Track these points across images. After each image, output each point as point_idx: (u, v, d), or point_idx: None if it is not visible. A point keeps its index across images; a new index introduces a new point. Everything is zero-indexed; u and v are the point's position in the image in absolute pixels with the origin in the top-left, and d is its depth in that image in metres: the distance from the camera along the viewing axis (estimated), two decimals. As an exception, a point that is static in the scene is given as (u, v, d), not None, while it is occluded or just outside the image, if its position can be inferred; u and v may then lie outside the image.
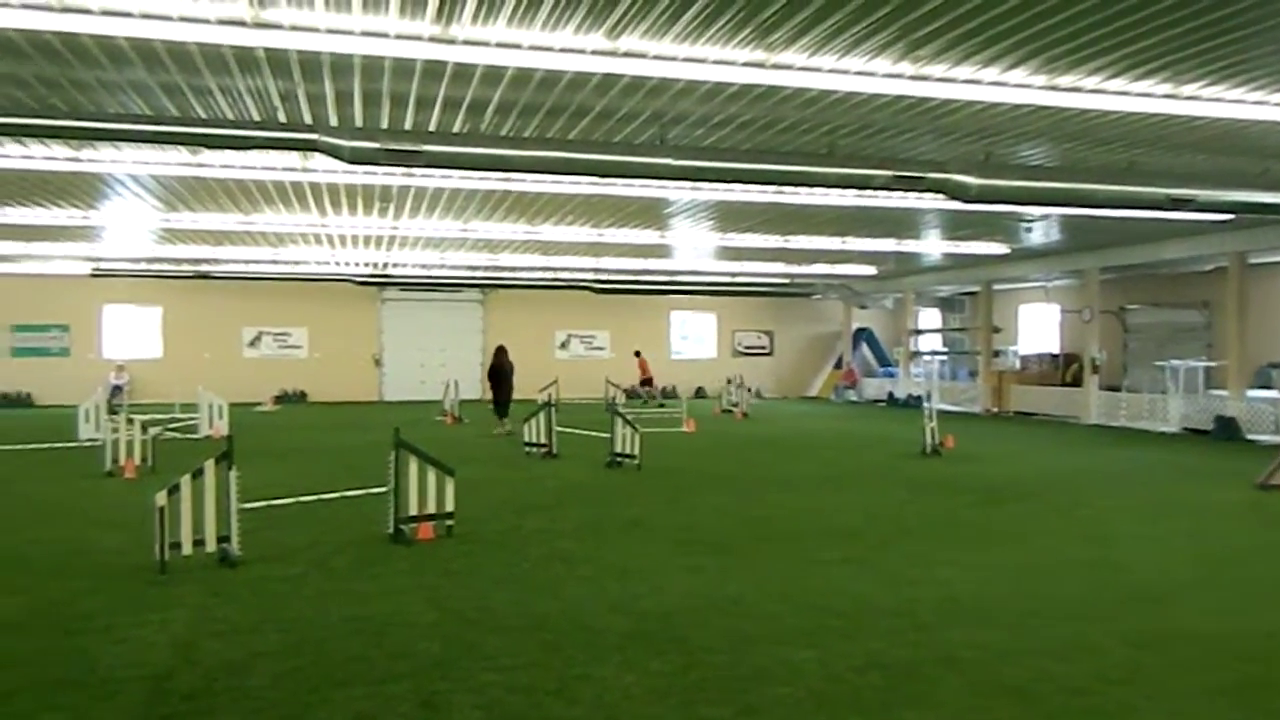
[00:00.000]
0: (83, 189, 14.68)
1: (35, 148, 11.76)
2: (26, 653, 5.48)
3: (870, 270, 27.94)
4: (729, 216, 17.34)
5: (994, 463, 14.90)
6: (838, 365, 34.83)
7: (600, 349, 33.71)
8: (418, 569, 7.55)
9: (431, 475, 8.67)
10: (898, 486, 12.17)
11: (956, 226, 19.01)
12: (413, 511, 8.65)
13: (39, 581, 7.15)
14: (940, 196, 9.86)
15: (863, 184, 9.41)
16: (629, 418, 14.08)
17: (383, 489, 9.60)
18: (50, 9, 6.99)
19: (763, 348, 35.91)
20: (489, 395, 20.64)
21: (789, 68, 8.38)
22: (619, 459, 13.82)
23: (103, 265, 25.83)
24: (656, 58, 8.08)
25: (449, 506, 8.79)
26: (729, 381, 27.22)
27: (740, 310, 34.95)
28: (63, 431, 18.50)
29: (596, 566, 7.67)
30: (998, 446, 17.63)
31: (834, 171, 9.26)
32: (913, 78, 8.65)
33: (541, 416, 15.28)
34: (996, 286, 28.47)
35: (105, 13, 7.06)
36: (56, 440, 17.57)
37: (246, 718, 4.54)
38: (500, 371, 19.80)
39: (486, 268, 26.87)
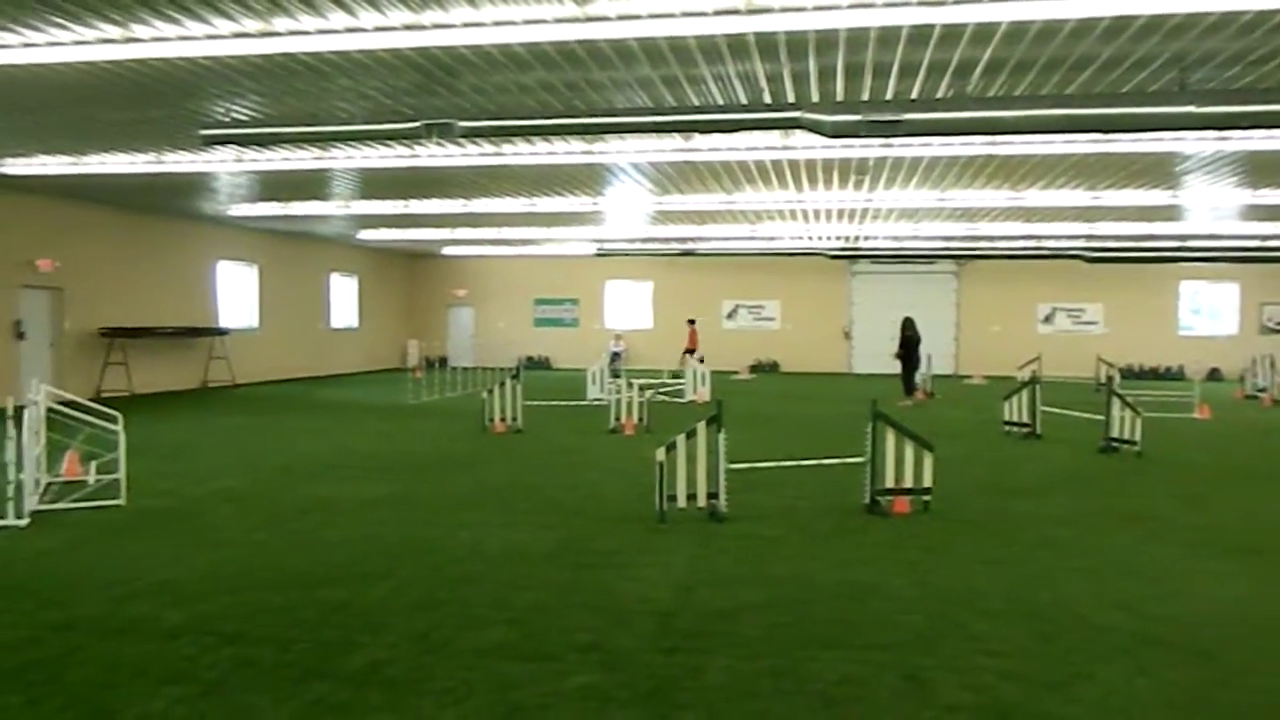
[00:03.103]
0: (592, 178, 16.62)
1: (558, 144, 13.53)
2: (560, 580, 6.38)
3: None
4: (1264, 169, 14.70)
5: None
6: None
7: (1091, 324, 30.73)
8: (896, 542, 7.50)
9: (909, 449, 8.54)
10: None
11: None
12: (889, 484, 8.61)
13: (565, 520, 8.29)
14: None
15: None
16: (1129, 399, 12.66)
17: (856, 459, 9.67)
18: (577, 20, 7.96)
19: (1300, 323, 30.19)
20: (898, 369, 20.79)
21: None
22: (1115, 444, 12.50)
23: (605, 245, 29.11)
24: (1184, -11, 7.06)
25: (926, 482, 8.59)
26: (1255, 362, 23.33)
27: (1271, 279, 29.65)
28: (575, 391, 21.33)
29: (1094, 559, 7.01)
30: None
31: None
32: None
33: (1024, 394, 14.35)
34: None
35: (620, 17, 7.85)
36: (570, 399, 20.29)
37: (740, 662, 4.84)
38: (913, 344, 20.04)
39: (962, 238, 25.76)
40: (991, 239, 25.74)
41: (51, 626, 5.35)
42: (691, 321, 28.41)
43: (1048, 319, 31.06)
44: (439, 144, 13.28)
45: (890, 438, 8.54)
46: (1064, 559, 7.01)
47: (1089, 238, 25.11)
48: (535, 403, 18.39)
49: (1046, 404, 15.30)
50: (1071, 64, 8.99)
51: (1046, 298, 30.90)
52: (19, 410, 8.09)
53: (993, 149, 13.37)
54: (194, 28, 7.99)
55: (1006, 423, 14.68)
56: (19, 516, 7.97)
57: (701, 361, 25.55)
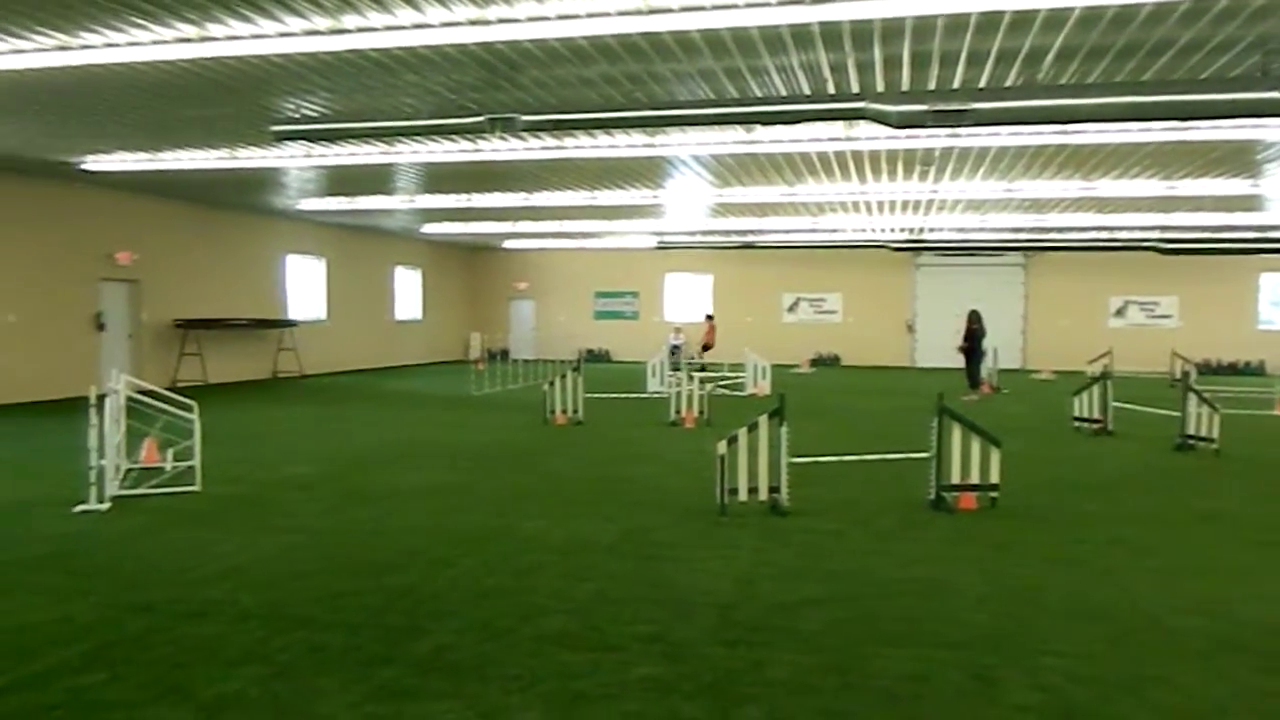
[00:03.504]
0: (653, 171, 16.61)
1: (620, 137, 13.54)
2: (622, 571, 6.41)
3: None
4: (1350, 156, 14.15)
5: None
6: None
7: (1165, 317, 29.81)
8: (961, 538, 7.38)
9: (975, 444, 8.39)
10: None
11: None
12: (954, 480, 8.47)
13: (626, 512, 8.32)
14: None
15: None
16: (1206, 395, 12.27)
17: (920, 454, 9.55)
18: (640, 12, 7.95)
19: (1391, 317, 28.94)
20: (969, 363, 20.36)
21: None
22: (1191, 441, 12.14)
23: (665, 238, 29.09)
24: (1266, -30, 6.81)
25: (994, 478, 8.44)
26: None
27: (1359, 270, 28.49)
28: (634, 384, 21.38)
29: (1168, 560, 6.82)
30: None
31: None
32: None
33: (1095, 390, 14.00)
34: None
35: (684, 9, 7.83)
36: (629, 391, 20.33)
37: (802, 657, 4.81)
38: (978, 337, 19.89)
39: (1030, 229, 25.19)
40: (1061, 230, 25.16)
41: (131, 607, 5.54)
42: (709, 317, 28.27)
43: (1119, 312, 30.22)
44: (502, 138, 13.40)
45: (956, 432, 8.40)
46: (1136, 559, 6.84)
47: (1164, 228, 24.37)
48: (596, 395, 18.47)
49: (1118, 400, 14.93)
50: (1148, 49, 8.74)
51: (1118, 290, 30.06)
52: (100, 399, 8.37)
53: (1064, 138, 13.06)
54: (267, 26, 8.18)
55: (1076, 419, 14.33)
56: (101, 501, 8.27)
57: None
